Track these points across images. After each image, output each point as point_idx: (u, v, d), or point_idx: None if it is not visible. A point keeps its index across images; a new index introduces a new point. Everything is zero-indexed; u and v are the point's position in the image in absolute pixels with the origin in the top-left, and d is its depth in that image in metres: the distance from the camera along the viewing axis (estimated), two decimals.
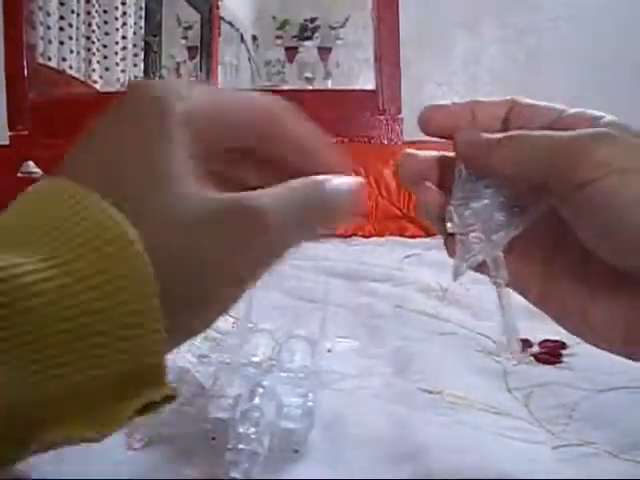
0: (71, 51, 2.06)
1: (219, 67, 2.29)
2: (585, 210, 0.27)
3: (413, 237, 1.29)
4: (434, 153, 0.33)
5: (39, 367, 0.20)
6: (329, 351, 0.47)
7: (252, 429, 0.28)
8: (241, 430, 0.28)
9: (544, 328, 0.55)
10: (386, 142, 1.82)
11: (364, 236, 1.32)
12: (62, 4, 2.03)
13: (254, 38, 2.31)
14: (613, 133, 0.28)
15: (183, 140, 0.24)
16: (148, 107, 0.24)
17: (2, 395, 0.19)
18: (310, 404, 0.33)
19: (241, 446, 0.28)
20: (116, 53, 2.20)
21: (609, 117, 0.30)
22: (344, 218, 0.28)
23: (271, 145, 0.27)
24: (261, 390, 0.32)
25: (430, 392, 0.40)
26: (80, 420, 0.21)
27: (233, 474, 0.27)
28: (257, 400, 0.31)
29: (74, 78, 2.08)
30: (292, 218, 0.24)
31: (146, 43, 2.31)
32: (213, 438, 0.31)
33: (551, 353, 0.49)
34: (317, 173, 0.27)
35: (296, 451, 0.30)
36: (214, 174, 0.25)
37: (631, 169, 0.26)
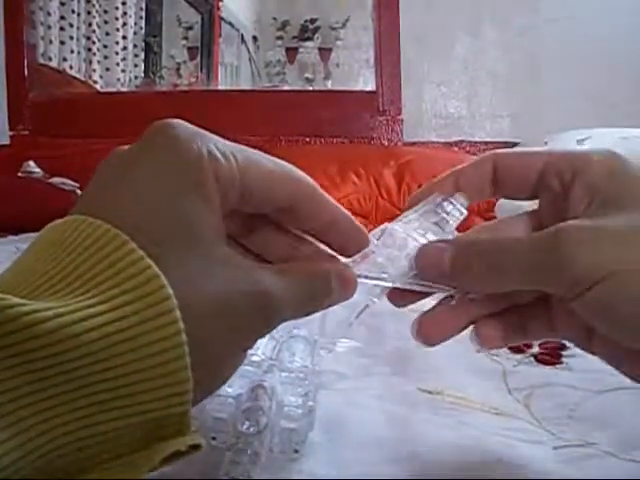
0: (71, 51, 2.07)
1: (219, 68, 2.30)
2: (582, 315, 0.27)
3: None
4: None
5: (70, 417, 0.20)
6: (329, 352, 0.47)
7: (253, 429, 0.28)
8: (242, 429, 0.28)
9: None
10: (386, 143, 1.82)
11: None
12: (62, 4, 2.03)
13: (254, 39, 2.32)
14: (587, 225, 0.26)
15: (217, 200, 0.24)
16: (184, 158, 0.24)
17: (34, 444, 0.19)
18: (310, 404, 0.33)
19: (241, 446, 0.28)
20: (116, 53, 2.20)
21: (597, 153, 0.29)
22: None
23: (297, 220, 0.28)
24: (262, 390, 0.31)
25: (430, 392, 0.40)
26: (106, 470, 0.21)
27: (233, 474, 0.27)
28: (258, 400, 0.31)
29: (74, 78, 2.08)
30: (298, 306, 0.26)
31: (146, 43, 2.31)
32: (213, 438, 0.31)
33: (551, 354, 0.49)
34: (334, 247, 0.29)
35: (296, 451, 0.30)
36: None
37: (617, 270, 0.25)
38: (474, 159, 0.31)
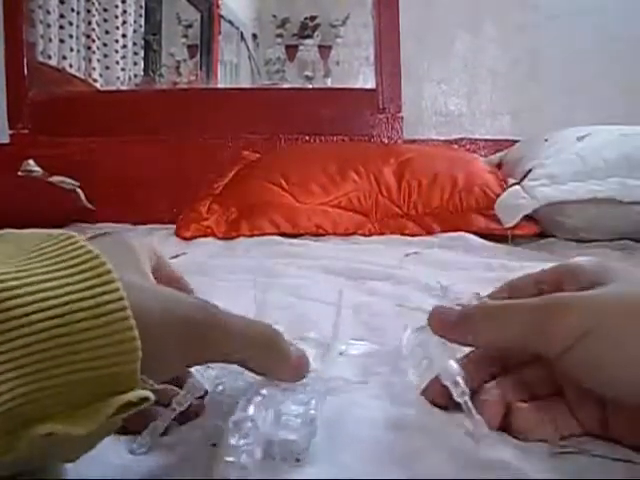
0: (71, 49, 2.07)
1: (219, 65, 2.30)
2: (566, 372, 0.32)
3: (413, 235, 1.29)
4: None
5: (25, 371, 0.22)
6: (341, 354, 0.46)
7: (242, 441, 0.27)
8: (232, 442, 0.27)
9: None
10: (386, 141, 1.82)
11: (364, 235, 1.32)
12: (62, 2, 2.03)
13: (254, 36, 2.32)
14: (569, 298, 0.32)
15: (148, 263, 0.34)
16: (129, 246, 0.34)
17: None
18: (312, 412, 0.32)
19: (229, 459, 0.26)
20: (116, 51, 2.20)
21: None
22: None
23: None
24: (258, 398, 0.31)
25: None
26: (64, 417, 0.23)
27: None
28: (251, 410, 0.29)
29: (74, 76, 2.08)
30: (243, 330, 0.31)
31: (146, 42, 2.31)
32: (214, 444, 0.31)
33: None
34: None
35: (298, 460, 0.30)
36: None
37: (589, 331, 0.30)
38: None
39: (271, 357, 0.32)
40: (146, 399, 0.24)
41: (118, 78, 2.21)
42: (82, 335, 0.23)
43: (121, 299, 0.23)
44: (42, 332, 0.22)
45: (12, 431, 0.22)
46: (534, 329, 0.31)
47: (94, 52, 2.15)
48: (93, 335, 0.23)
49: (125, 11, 2.22)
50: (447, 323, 0.35)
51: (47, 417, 0.22)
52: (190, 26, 2.32)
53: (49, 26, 1.97)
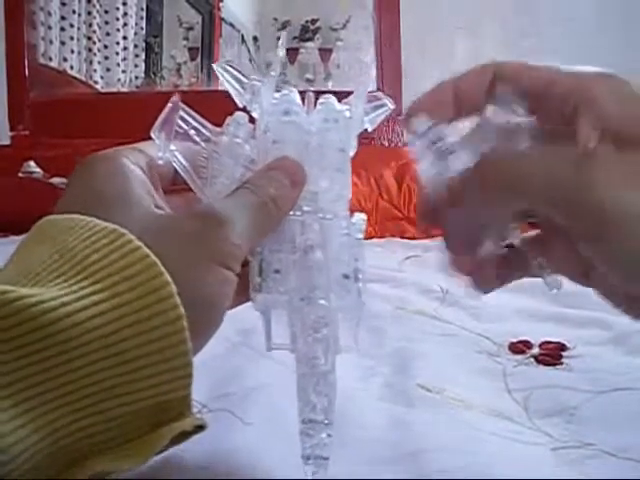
0: (72, 51, 2.07)
1: None
2: (596, 259, 0.24)
3: (413, 238, 1.29)
4: None
5: (79, 405, 0.20)
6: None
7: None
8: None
9: (544, 330, 0.55)
10: (387, 144, 1.82)
11: (364, 237, 1.32)
12: (63, 4, 2.03)
13: (255, 39, 2.32)
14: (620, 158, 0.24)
15: (140, 184, 0.27)
16: (114, 170, 0.28)
17: (46, 431, 0.20)
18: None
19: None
20: (117, 54, 2.20)
21: (601, 76, 0.27)
22: (284, 204, 0.29)
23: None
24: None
25: (430, 392, 0.40)
26: (115, 452, 0.21)
27: None
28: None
29: (75, 78, 2.08)
30: (248, 218, 0.26)
31: (147, 44, 2.31)
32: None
33: (551, 355, 0.49)
34: None
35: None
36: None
37: None
38: (476, 66, 0.30)
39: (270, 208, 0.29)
40: (201, 427, 0.23)
41: (119, 80, 2.21)
42: (137, 363, 0.21)
43: (179, 319, 0.21)
44: (96, 363, 0.20)
45: (68, 467, 0.21)
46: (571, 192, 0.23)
47: (95, 54, 2.15)
48: (149, 362, 0.21)
49: (126, 13, 2.22)
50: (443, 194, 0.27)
51: (102, 451, 0.21)
52: (191, 28, 2.32)
53: (50, 28, 1.97)
